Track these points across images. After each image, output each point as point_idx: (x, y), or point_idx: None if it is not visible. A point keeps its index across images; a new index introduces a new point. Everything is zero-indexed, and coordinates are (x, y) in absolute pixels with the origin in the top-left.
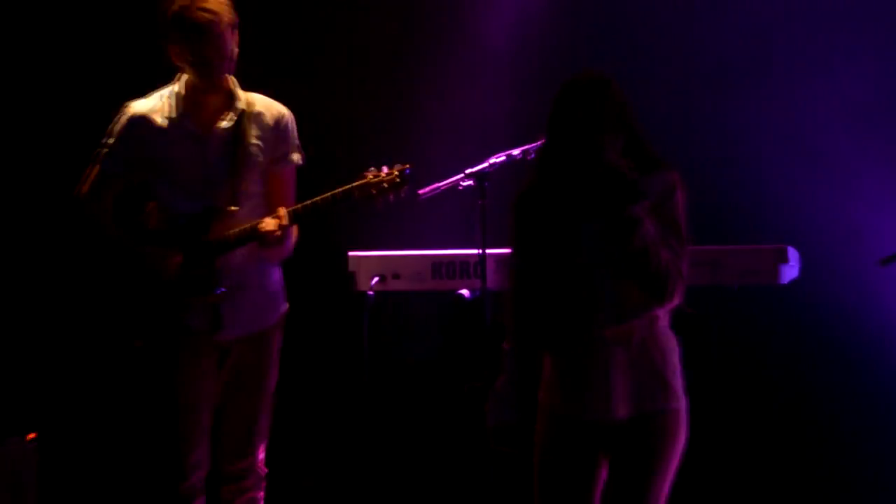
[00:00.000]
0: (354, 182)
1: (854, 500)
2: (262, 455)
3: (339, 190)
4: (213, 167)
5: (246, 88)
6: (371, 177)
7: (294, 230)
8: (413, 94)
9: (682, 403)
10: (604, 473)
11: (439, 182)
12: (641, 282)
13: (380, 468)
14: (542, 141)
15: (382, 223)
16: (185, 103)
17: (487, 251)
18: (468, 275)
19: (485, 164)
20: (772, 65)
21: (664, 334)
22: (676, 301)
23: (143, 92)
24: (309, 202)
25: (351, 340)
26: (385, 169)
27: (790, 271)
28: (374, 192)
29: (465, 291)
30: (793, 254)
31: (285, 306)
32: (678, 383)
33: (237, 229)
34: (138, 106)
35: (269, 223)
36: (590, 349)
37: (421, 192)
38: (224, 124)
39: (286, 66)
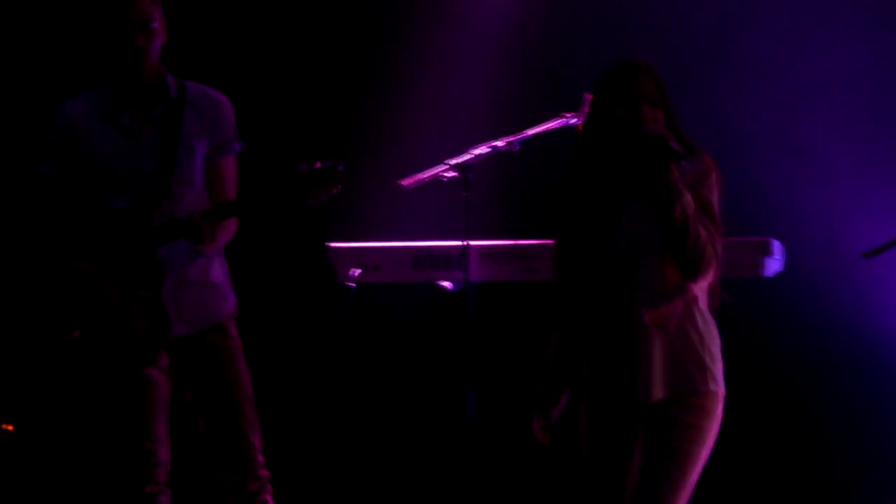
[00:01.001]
0: (280, 179)
1: (837, 488)
2: (260, 457)
3: (259, 189)
4: (148, 159)
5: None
6: (300, 172)
7: (233, 223)
8: (397, 84)
9: (719, 388)
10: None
11: (422, 173)
12: (679, 254)
13: (361, 459)
14: (582, 125)
15: (363, 214)
16: (115, 98)
17: (470, 243)
18: (450, 266)
19: (469, 156)
20: (758, 59)
21: (703, 318)
22: (710, 279)
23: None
24: (234, 201)
25: (331, 332)
26: (317, 164)
27: (774, 264)
28: (302, 189)
29: (446, 283)
30: (777, 247)
31: (233, 300)
32: (717, 367)
33: (172, 221)
34: (68, 105)
35: (195, 219)
36: (629, 331)
37: (404, 182)
38: (157, 115)
39: (261, 54)
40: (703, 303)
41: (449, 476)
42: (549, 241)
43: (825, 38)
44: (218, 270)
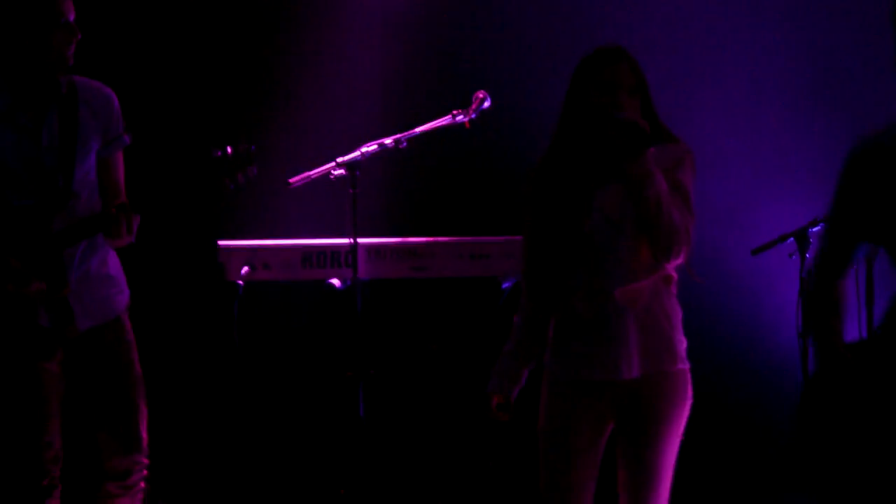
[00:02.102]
0: (199, 163)
1: (726, 466)
2: (146, 448)
3: (180, 173)
4: (45, 157)
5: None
6: (218, 157)
7: (137, 219)
8: (288, 82)
9: (686, 366)
10: (605, 436)
11: (310, 171)
12: (652, 236)
13: (252, 455)
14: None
15: (253, 212)
16: (12, 97)
17: (359, 240)
18: (339, 264)
19: (356, 154)
20: (647, 58)
21: (670, 299)
22: (679, 260)
23: None
24: (152, 188)
25: (221, 330)
26: (230, 149)
27: None
28: (221, 172)
29: (335, 281)
30: None
31: (127, 292)
32: (683, 347)
33: (82, 220)
34: None
35: (115, 213)
36: (600, 310)
37: (292, 180)
38: (52, 113)
39: (149, 49)
40: (669, 283)
41: (340, 471)
42: (437, 239)
43: (716, 40)
44: (114, 263)
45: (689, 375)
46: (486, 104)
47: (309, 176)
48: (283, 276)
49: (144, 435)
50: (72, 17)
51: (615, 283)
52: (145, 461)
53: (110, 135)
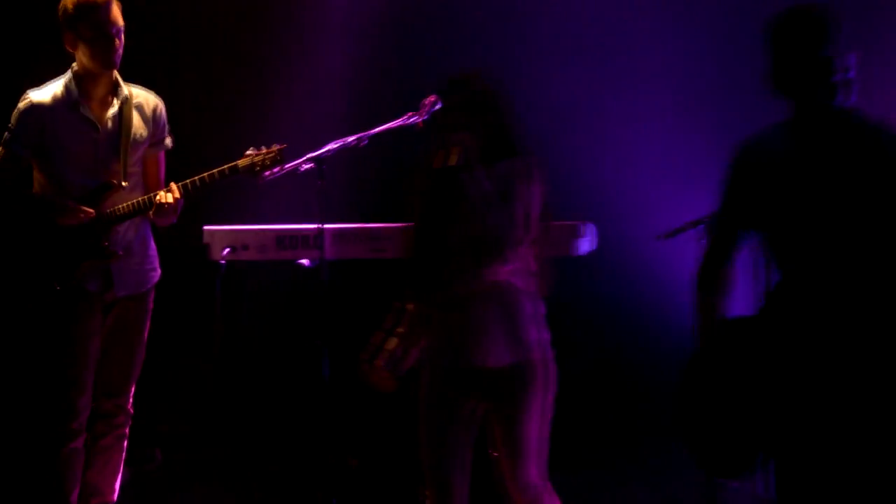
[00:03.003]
0: (239, 160)
1: (644, 437)
2: (131, 398)
3: (226, 167)
4: (104, 149)
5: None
6: (254, 154)
7: (180, 202)
8: (265, 88)
9: (549, 354)
10: (478, 416)
11: (283, 165)
12: (474, 245)
13: (234, 411)
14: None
15: (234, 201)
16: (78, 92)
17: (325, 226)
18: (308, 246)
19: (323, 150)
20: (569, 49)
21: (529, 291)
22: (504, 262)
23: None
24: (197, 178)
25: (207, 303)
26: (264, 148)
27: (584, 244)
28: (258, 168)
29: (305, 261)
30: (589, 228)
31: (159, 272)
32: (545, 336)
33: (132, 201)
34: (37, 95)
35: (164, 196)
36: (463, 303)
37: (266, 173)
38: (112, 111)
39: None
40: (524, 276)
41: (307, 426)
42: (394, 225)
43: (632, 30)
44: (152, 244)
45: (552, 364)
46: (437, 107)
47: (282, 169)
48: (259, 256)
49: (132, 388)
50: (118, 16)
51: (479, 278)
52: (130, 410)
53: (156, 137)
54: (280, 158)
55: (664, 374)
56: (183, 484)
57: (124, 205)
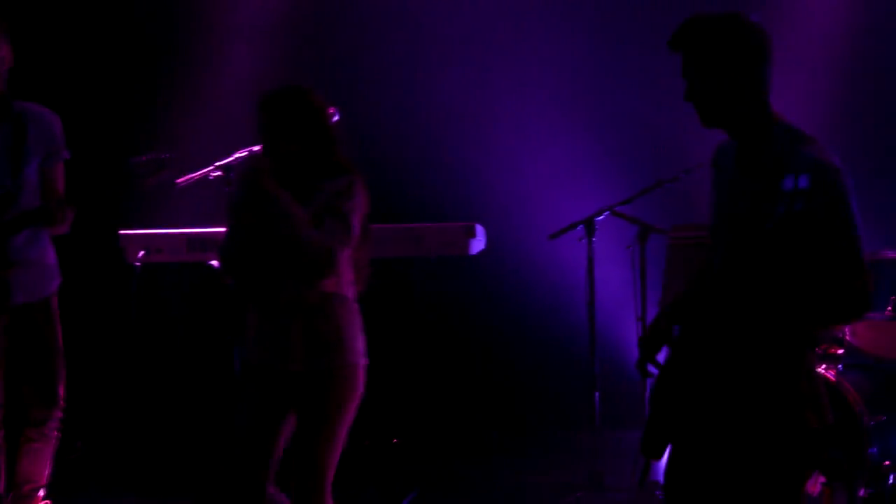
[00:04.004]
0: (123, 168)
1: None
2: (62, 402)
3: (110, 176)
4: (1, 165)
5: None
6: (136, 163)
7: (71, 211)
8: (171, 96)
9: (358, 360)
10: (287, 416)
11: (193, 173)
12: (293, 261)
13: (150, 400)
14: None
15: (148, 206)
16: None
17: None
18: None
19: (231, 158)
20: (469, 58)
21: (340, 301)
22: (325, 278)
23: None
24: (84, 187)
25: (123, 303)
26: (144, 157)
27: (478, 244)
28: (141, 174)
29: (215, 262)
30: (479, 229)
31: (59, 279)
32: (355, 344)
33: (25, 212)
34: None
35: (52, 205)
36: (275, 311)
37: (179, 181)
38: (5, 129)
39: (57, 73)
40: (346, 288)
41: (219, 418)
42: None
43: (516, 31)
44: (51, 253)
45: (359, 370)
46: (335, 118)
47: (193, 177)
48: (173, 258)
49: (61, 392)
50: (3, 51)
51: (283, 290)
52: (60, 414)
53: (51, 150)
54: (163, 165)
55: (552, 368)
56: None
57: (17, 216)
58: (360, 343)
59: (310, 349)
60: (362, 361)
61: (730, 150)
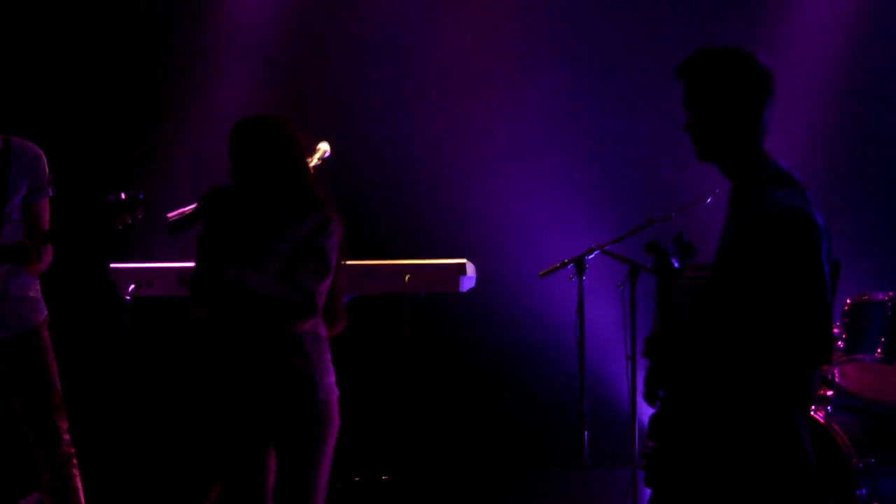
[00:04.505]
0: (96, 207)
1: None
2: (66, 436)
3: (82, 215)
4: None
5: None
6: (110, 202)
7: (49, 248)
8: (161, 132)
9: (330, 396)
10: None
11: (183, 207)
12: (268, 316)
13: (143, 429)
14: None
15: (138, 240)
16: None
17: None
18: None
19: None
20: (467, 99)
21: (314, 338)
22: (309, 321)
23: None
24: (59, 225)
25: (113, 335)
26: (122, 195)
27: (468, 282)
28: (112, 214)
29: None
30: (471, 267)
31: (45, 312)
32: (326, 379)
33: (1, 249)
34: None
35: (27, 243)
36: (247, 347)
37: (169, 215)
38: None
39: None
40: (319, 326)
41: (205, 441)
42: None
43: (520, 74)
44: (33, 286)
45: (332, 403)
46: (327, 153)
47: (183, 211)
48: (163, 292)
49: (63, 427)
50: None
51: (262, 324)
52: (68, 450)
53: (35, 185)
54: (135, 205)
55: (542, 406)
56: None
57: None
58: (331, 377)
59: (283, 384)
60: (334, 395)
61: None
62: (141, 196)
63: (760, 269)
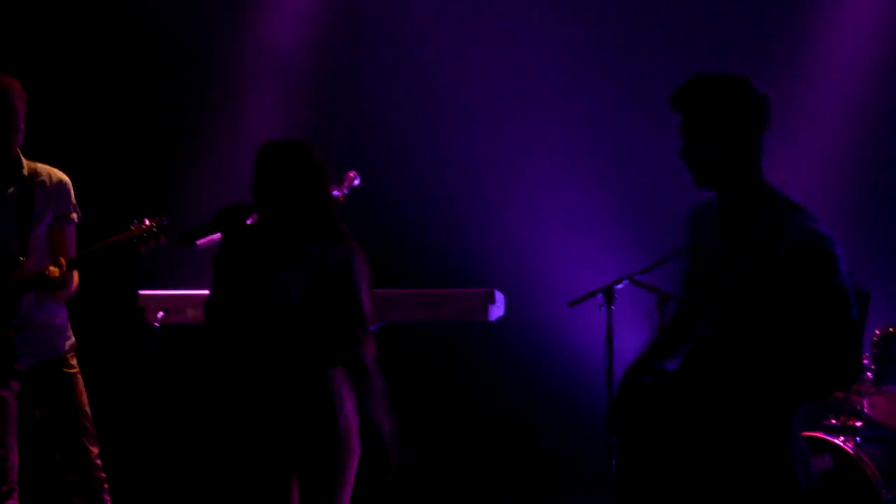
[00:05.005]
0: (120, 234)
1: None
2: (98, 461)
3: (107, 242)
4: (7, 227)
5: (28, 157)
6: (133, 229)
7: (75, 275)
8: (191, 157)
9: (351, 422)
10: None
11: (214, 234)
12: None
13: (170, 454)
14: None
15: (167, 267)
16: None
17: None
18: None
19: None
20: (485, 127)
21: (340, 382)
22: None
23: None
24: (84, 252)
25: (143, 362)
26: (147, 221)
27: (497, 310)
28: (136, 241)
29: None
30: (499, 296)
31: (72, 339)
32: (347, 406)
33: (27, 276)
34: None
35: (52, 271)
36: (266, 377)
37: (199, 241)
38: (11, 190)
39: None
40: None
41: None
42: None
43: (546, 102)
44: (60, 314)
45: (351, 432)
46: (356, 182)
47: (212, 238)
48: (192, 319)
49: (95, 452)
50: (17, 108)
51: (281, 354)
52: (100, 476)
53: (60, 211)
54: (158, 231)
55: (572, 435)
56: None
57: (21, 279)
58: (350, 405)
59: (304, 412)
60: (355, 422)
61: (709, 213)
62: (165, 222)
63: (795, 290)
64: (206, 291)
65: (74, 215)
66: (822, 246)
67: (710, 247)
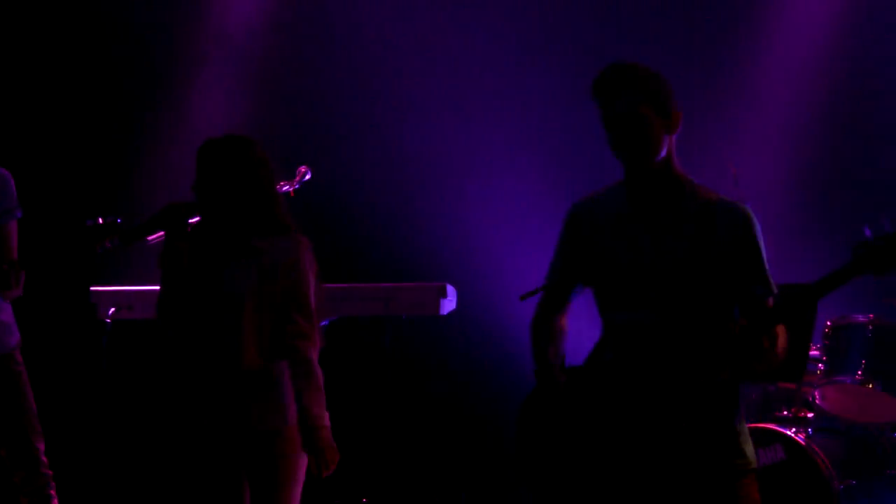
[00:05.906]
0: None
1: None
2: (44, 458)
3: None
4: None
5: None
6: (88, 226)
7: (21, 272)
8: (146, 155)
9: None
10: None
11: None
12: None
13: (119, 450)
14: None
15: (118, 262)
16: None
17: None
18: None
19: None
20: (438, 109)
21: (280, 365)
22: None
23: None
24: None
25: (93, 357)
26: (100, 219)
27: (449, 304)
28: (91, 239)
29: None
30: (451, 290)
31: (18, 335)
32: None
33: None
34: None
35: (4, 268)
36: (217, 372)
37: (149, 237)
38: None
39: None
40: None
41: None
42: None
43: (502, 96)
44: (6, 312)
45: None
46: (308, 176)
47: (161, 234)
48: (143, 315)
49: (41, 449)
50: None
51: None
52: (46, 472)
53: (2, 208)
54: (112, 230)
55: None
56: None
57: None
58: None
59: (254, 410)
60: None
61: (604, 204)
62: (119, 221)
63: (747, 256)
64: (157, 287)
65: (17, 211)
66: (751, 214)
67: (620, 238)
